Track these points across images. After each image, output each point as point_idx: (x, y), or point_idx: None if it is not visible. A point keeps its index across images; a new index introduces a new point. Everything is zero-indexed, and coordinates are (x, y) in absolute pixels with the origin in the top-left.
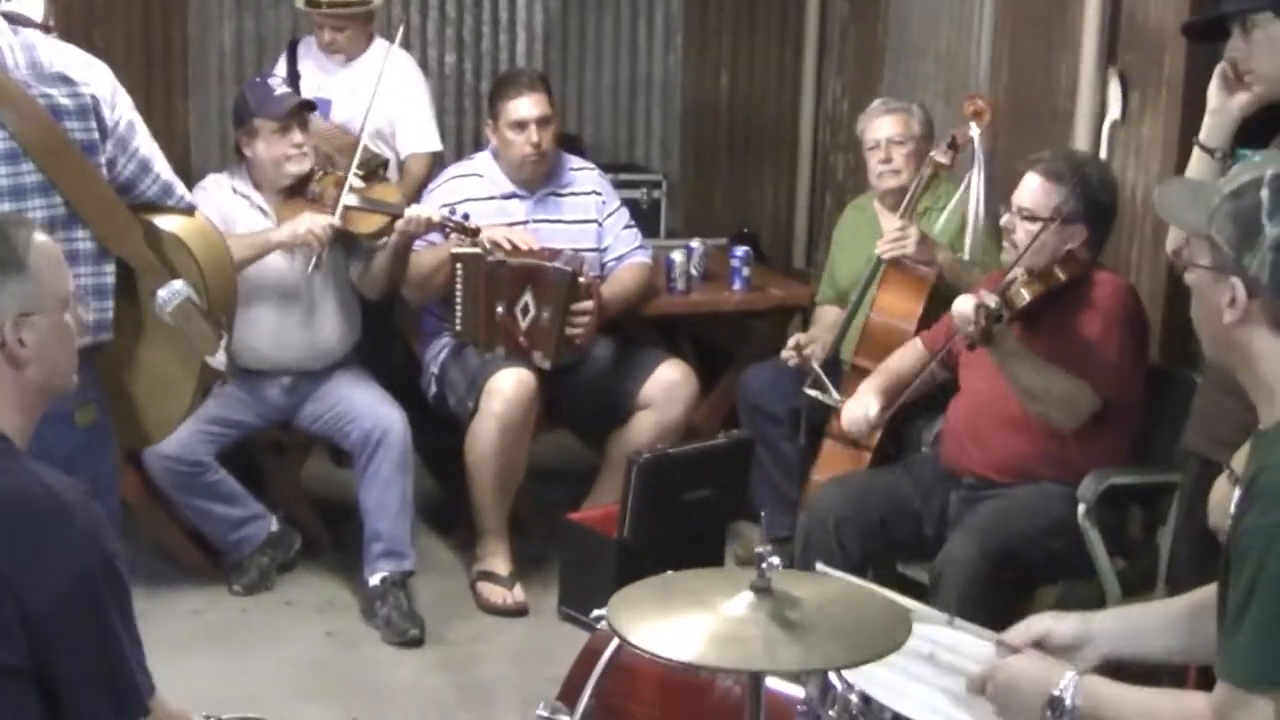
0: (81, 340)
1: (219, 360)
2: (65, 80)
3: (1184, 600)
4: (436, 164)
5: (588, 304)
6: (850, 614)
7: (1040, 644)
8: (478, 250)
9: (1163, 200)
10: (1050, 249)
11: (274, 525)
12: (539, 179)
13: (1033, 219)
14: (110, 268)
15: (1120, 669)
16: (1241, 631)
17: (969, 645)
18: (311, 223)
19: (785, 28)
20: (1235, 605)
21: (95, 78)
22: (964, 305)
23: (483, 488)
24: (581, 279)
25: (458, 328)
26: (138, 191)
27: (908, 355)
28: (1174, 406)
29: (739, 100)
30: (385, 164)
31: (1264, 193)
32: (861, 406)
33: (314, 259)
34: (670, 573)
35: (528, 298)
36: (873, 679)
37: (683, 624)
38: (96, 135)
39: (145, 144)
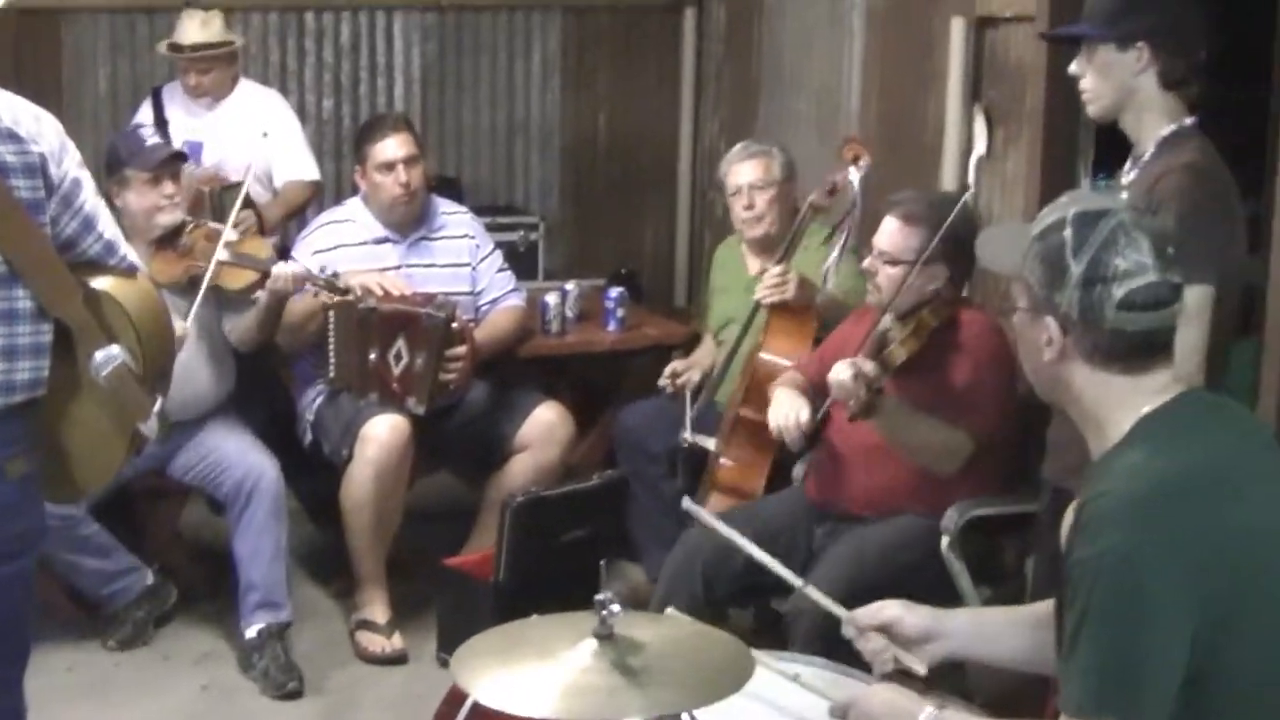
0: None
1: (149, 427)
2: (13, 137)
3: (1032, 609)
4: (315, 194)
5: (461, 349)
6: (693, 657)
7: (887, 630)
8: (349, 298)
9: (983, 247)
10: (915, 291)
11: (150, 578)
12: (410, 222)
13: (894, 263)
14: (48, 326)
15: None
16: (1074, 661)
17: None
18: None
19: (662, 66)
20: (1069, 635)
21: (44, 133)
22: (842, 374)
23: (359, 534)
24: (455, 324)
25: (331, 375)
26: (79, 250)
27: (790, 378)
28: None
29: (617, 140)
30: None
31: (1067, 232)
32: (792, 412)
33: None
34: (518, 621)
35: (401, 344)
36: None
37: (527, 675)
38: (42, 193)
39: (90, 200)
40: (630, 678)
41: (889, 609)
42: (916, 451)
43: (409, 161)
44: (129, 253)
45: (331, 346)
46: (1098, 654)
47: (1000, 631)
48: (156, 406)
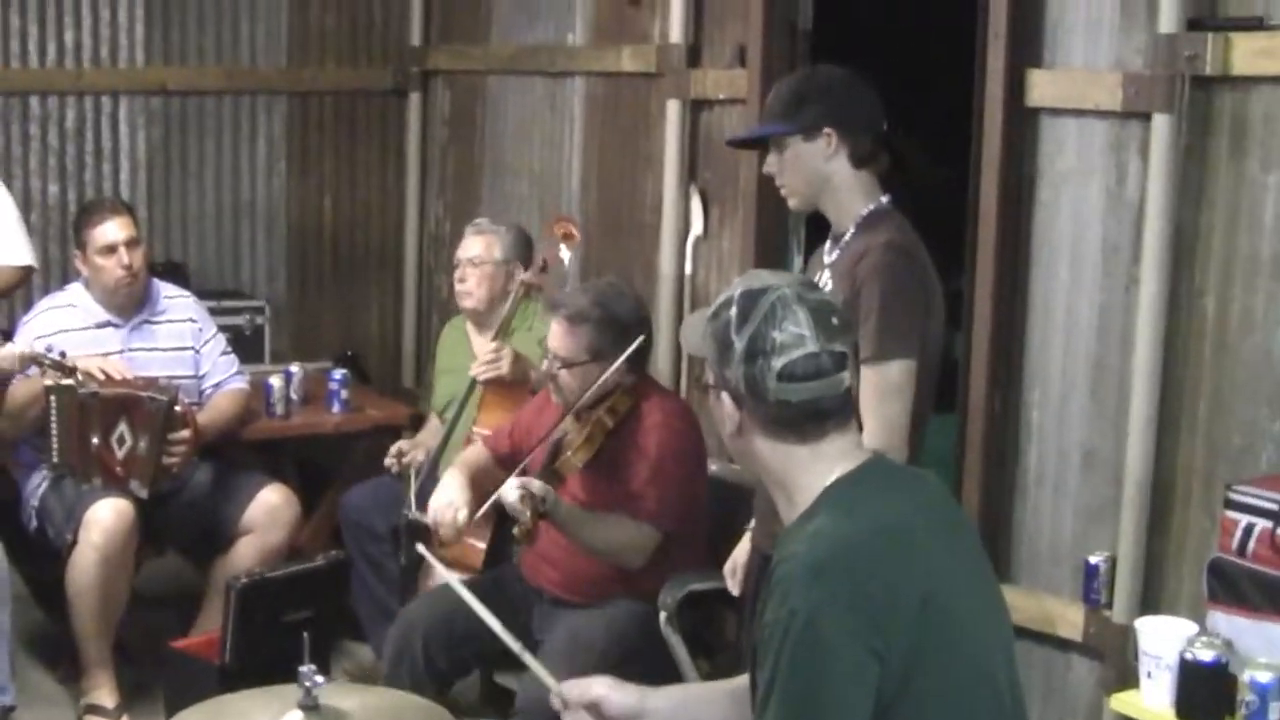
0: None
1: None
2: None
3: (733, 681)
4: (25, 279)
5: (184, 433)
6: None
7: (594, 707)
8: (70, 382)
9: (682, 331)
10: (596, 384)
11: None
12: (132, 306)
13: (568, 365)
14: None
15: None
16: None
17: None
18: None
19: (386, 150)
20: (762, 694)
21: None
22: (510, 496)
23: (85, 619)
24: (177, 407)
25: (54, 459)
26: None
27: (476, 452)
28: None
29: (343, 223)
30: None
31: (732, 310)
32: (450, 509)
33: None
34: (225, 695)
35: (123, 427)
36: None
37: None
38: None
39: None
40: None
41: (596, 686)
42: (598, 551)
43: (130, 244)
44: None
45: (54, 430)
46: (787, 711)
47: (702, 706)
48: None
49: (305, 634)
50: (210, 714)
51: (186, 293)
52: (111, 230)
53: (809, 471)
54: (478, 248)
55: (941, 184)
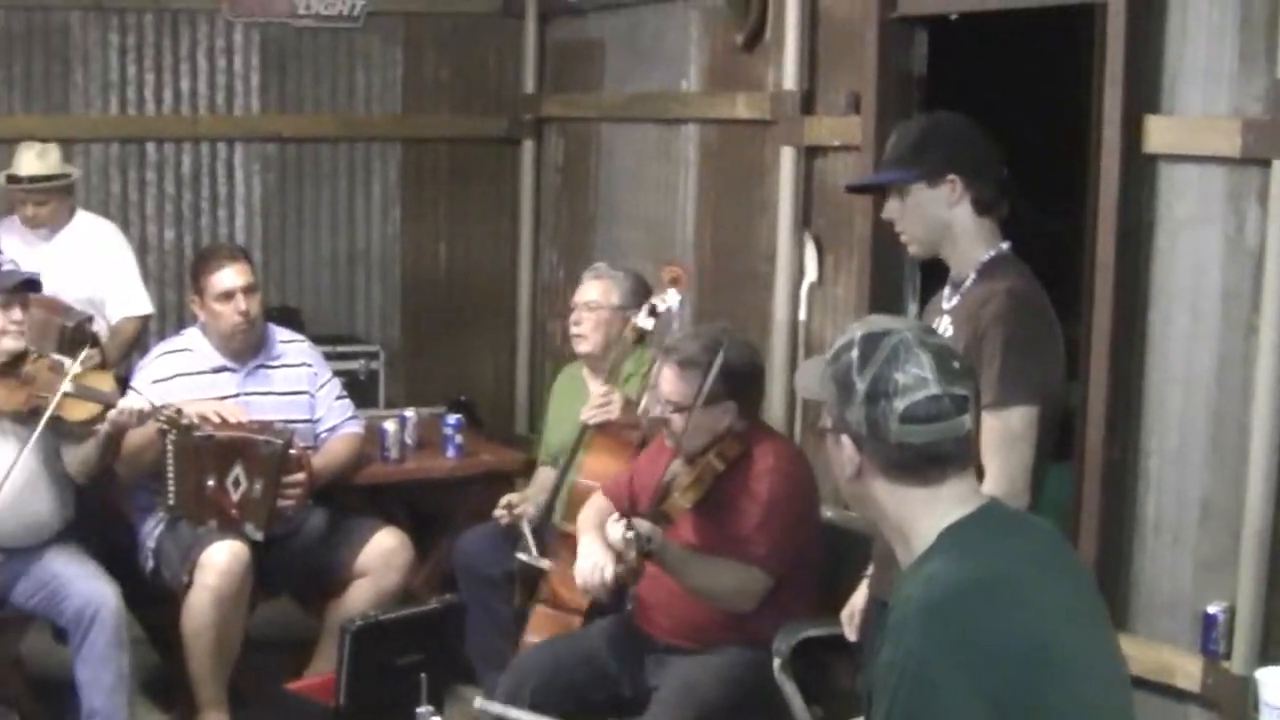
0: None
1: None
2: None
3: None
4: (144, 326)
5: (299, 476)
6: None
7: None
8: (187, 425)
9: (797, 376)
10: (706, 430)
11: None
12: (249, 351)
13: (679, 409)
14: None
15: None
16: None
17: None
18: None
19: (501, 198)
20: None
21: None
22: (614, 535)
23: (200, 660)
24: (292, 451)
25: (170, 502)
26: None
27: (597, 509)
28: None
29: (457, 269)
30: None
31: (854, 352)
32: (596, 569)
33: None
34: None
35: (238, 470)
36: None
37: None
38: None
39: None
40: None
41: None
42: (707, 595)
43: (247, 290)
44: None
45: (170, 474)
46: None
47: None
48: None
49: (423, 675)
50: None
51: (302, 337)
52: (229, 277)
53: (926, 515)
54: (595, 292)
55: (1051, 235)
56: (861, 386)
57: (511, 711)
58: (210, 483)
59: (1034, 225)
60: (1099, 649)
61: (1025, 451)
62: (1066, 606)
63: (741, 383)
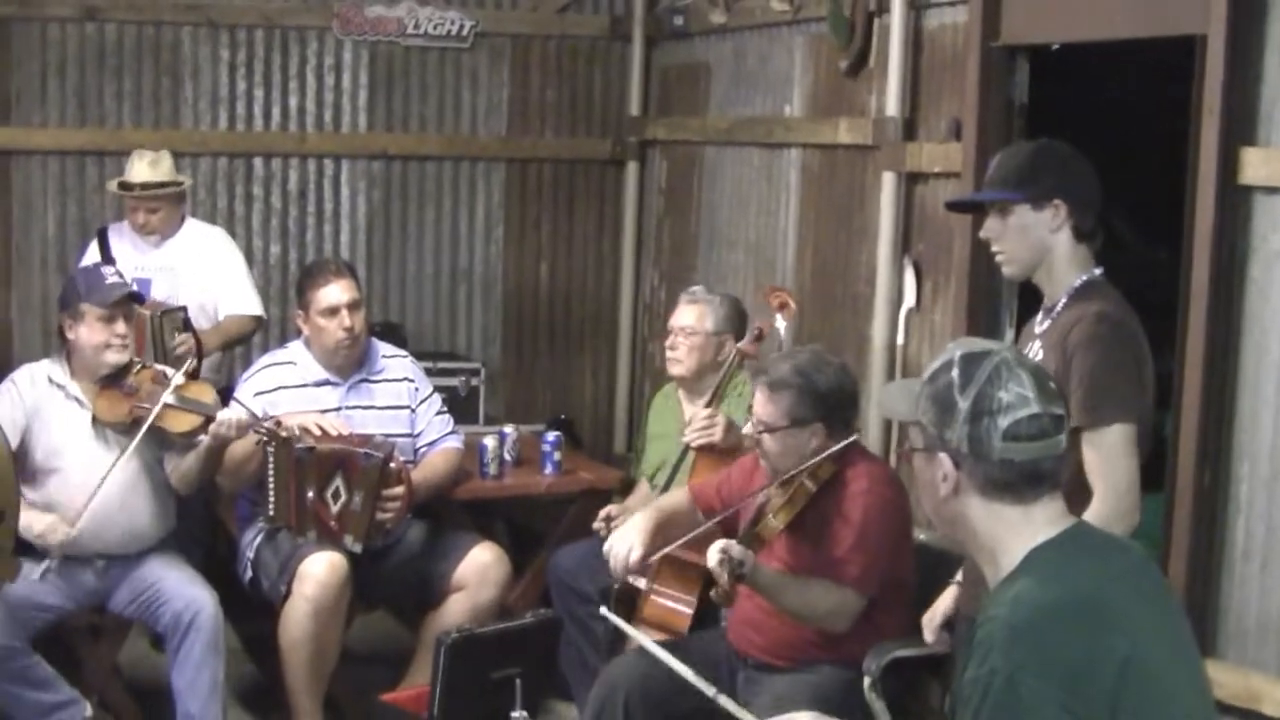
0: None
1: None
2: None
3: None
4: (256, 328)
5: (399, 489)
6: None
7: None
8: (287, 437)
9: (882, 399)
10: (795, 451)
11: (88, 710)
12: (351, 366)
13: (770, 430)
14: None
15: None
16: None
17: None
18: (50, 529)
19: (603, 220)
20: None
21: None
22: (711, 560)
23: (296, 670)
24: (392, 464)
25: (270, 513)
26: None
27: (677, 499)
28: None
29: (559, 289)
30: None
31: (954, 372)
32: (625, 545)
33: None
34: None
35: (339, 483)
36: None
37: None
38: None
39: None
40: None
41: (802, 716)
42: (801, 616)
43: (352, 306)
44: None
45: (271, 485)
46: None
47: None
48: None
49: (518, 681)
50: None
51: (404, 352)
52: (335, 293)
53: (1018, 535)
54: (690, 317)
55: (1156, 264)
56: (964, 405)
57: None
58: (310, 494)
59: (1140, 255)
60: (1184, 672)
61: (1130, 466)
62: (1153, 628)
63: (829, 405)
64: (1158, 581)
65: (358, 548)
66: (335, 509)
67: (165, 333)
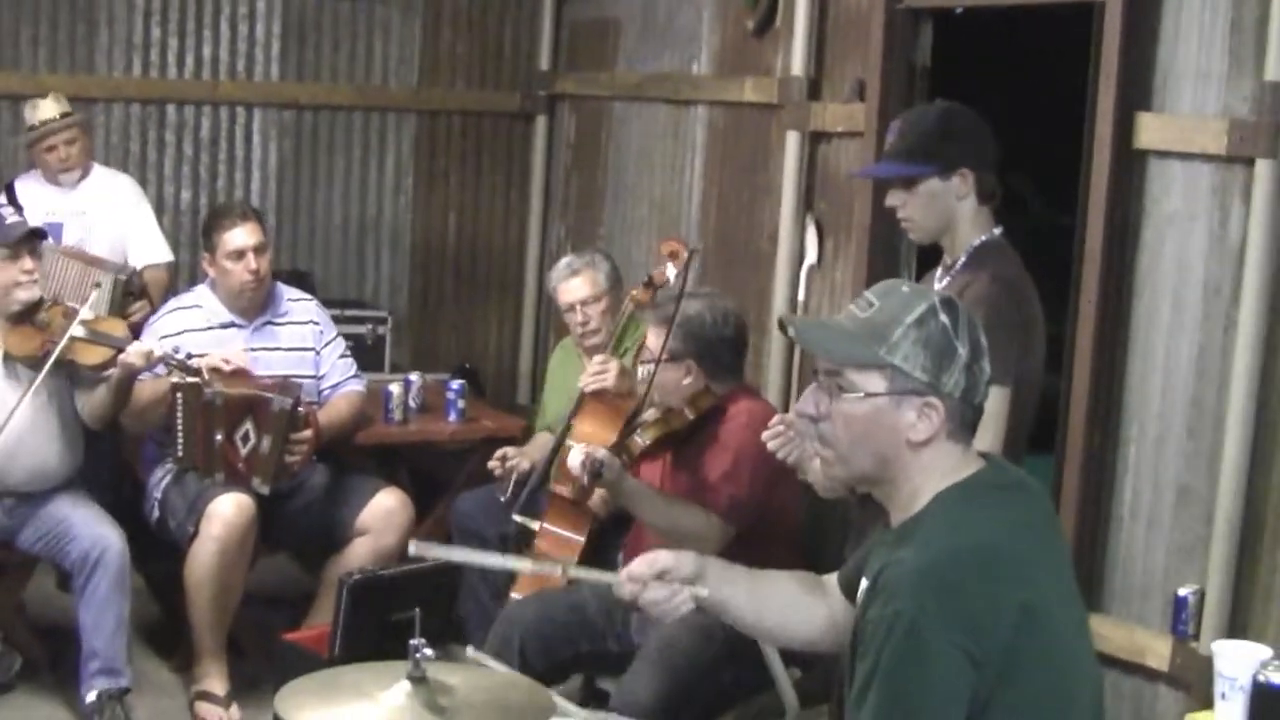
0: None
1: None
2: None
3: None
4: (171, 273)
5: (306, 433)
6: (495, 699)
7: (663, 576)
8: (197, 381)
9: (811, 340)
10: (673, 387)
11: None
12: (256, 308)
13: (649, 362)
14: None
15: None
16: (864, 709)
17: None
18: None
19: (511, 172)
20: (859, 688)
21: None
22: (574, 459)
23: (201, 608)
24: (300, 408)
25: (179, 454)
26: None
27: None
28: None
29: (466, 240)
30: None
31: (943, 318)
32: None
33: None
34: (335, 668)
35: (248, 426)
36: None
37: (345, 713)
38: None
39: None
40: (439, 715)
41: (661, 556)
42: (666, 533)
43: (258, 249)
44: None
45: (180, 428)
46: (882, 706)
47: (764, 579)
48: None
49: (417, 610)
50: (324, 684)
51: (309, 296)
52: (240, 236)
53: (943, 476)
54: (585, 288)
55: (1059, 229)
56: (964, 350)
57: (498, 665)
58: (219, 437)
59: (1043, 218)
60: (1077, 614)
61: (996, 431)
62: (1051, 574)
63: (703, 344)
64: (1055, 526)
65: (265, 490)
66: (244, 451)
67: (124, 299)
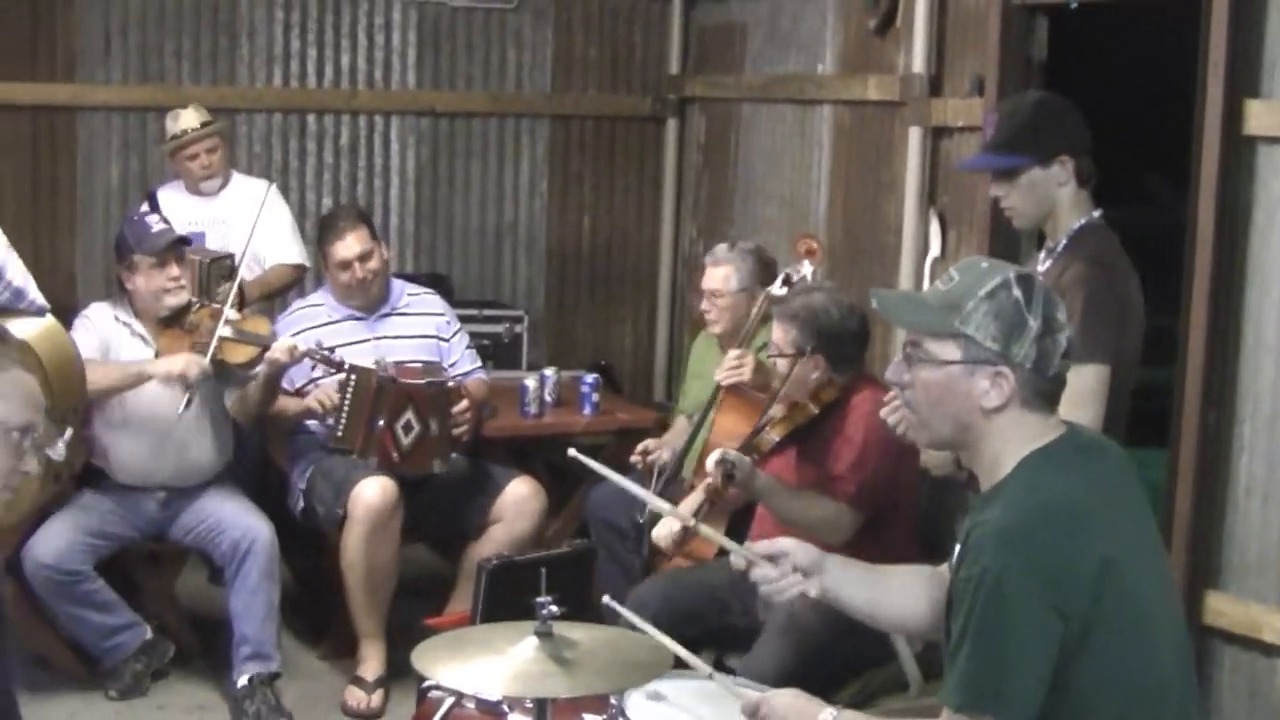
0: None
1: (58, 452)
2: None
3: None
4: (298, 277)
5: (464, 403)
6: (617, 653)
7: (778, 560)
8: (371, 366)
9: (893, 312)
10: (800, 380)
11: (148, 634)
12: (374, 303)
13: (780, 356)
14: None
15: None
16: (957, 665)
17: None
18: (186, 364)
19: (644, 174)
20: (954, 643)
21: None
22: (709, 461)
23: (356, 592)
24: (450, 383)
25: (339, 434)
26: None
27: None
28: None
29: (600, 242)
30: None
31: (1017, 291)
32: (667, 524)
33: (185, 400)
34: (469, 627)
35: (409, 415)
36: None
37: (478, 665)
38: None
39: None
40: (564, 666)
41: (782, 543)
42: (797, 523)
43: (362, 258)
44: (36, 296)
45: (345, 409)
46: (974, 660)
47: (879, 576)
48: (65, 436)
49: (543, 569)
50: (456, 640)
51: (431, 290)
52: (343, 249)
53: (1024, 443)
54: (716, 281)
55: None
56: (1035, 323)
57: (633, 616)
58: (380, 422)
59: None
60: (1158, 567)
61: (1096, 409)
62: (1130, 530)
63: (827, 337)
64: (1134, 481)
65: (443, 469)
66: (408, 441)
67: (212, 280)
